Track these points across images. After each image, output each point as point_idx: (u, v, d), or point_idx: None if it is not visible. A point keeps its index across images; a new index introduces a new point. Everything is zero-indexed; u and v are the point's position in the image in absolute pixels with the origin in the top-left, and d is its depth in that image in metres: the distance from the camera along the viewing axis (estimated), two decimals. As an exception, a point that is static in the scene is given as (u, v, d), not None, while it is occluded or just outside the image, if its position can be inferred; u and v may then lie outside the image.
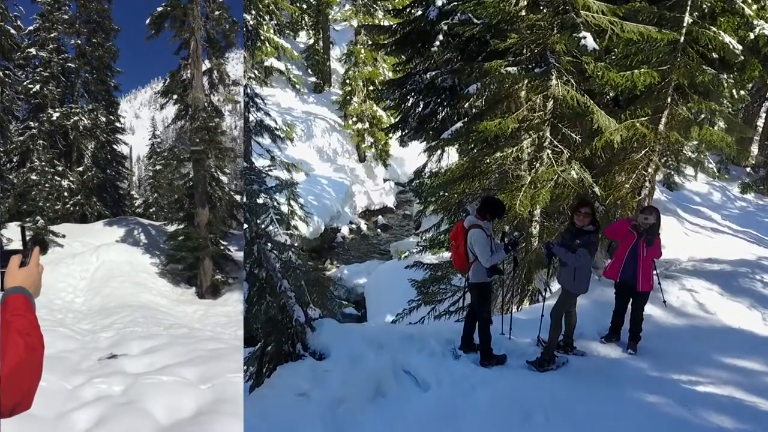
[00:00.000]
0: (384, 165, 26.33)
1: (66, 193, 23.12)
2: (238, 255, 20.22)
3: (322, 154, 24.92)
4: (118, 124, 27.03)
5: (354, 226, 23.22)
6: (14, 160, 22.91)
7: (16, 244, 2.26)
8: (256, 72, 20.80)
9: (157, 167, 29.40)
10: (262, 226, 7.17)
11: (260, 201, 7.28)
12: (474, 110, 11.29)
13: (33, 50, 23.69)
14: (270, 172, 7.62)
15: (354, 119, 25.36)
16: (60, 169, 23.21)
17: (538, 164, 9.37)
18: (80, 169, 24.10)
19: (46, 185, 21.55)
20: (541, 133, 9.27)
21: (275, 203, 7.69)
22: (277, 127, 17.64)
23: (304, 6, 29.35)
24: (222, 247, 19.48)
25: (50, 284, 16.53)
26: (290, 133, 21.29)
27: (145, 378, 8.50)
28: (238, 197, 20.92)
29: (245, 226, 6.94)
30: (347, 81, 25.42)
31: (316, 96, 28.11)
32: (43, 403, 7.05)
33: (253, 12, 17.00)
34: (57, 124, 23.11)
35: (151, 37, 19.07)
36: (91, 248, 19.67)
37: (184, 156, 19.25)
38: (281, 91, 26.72)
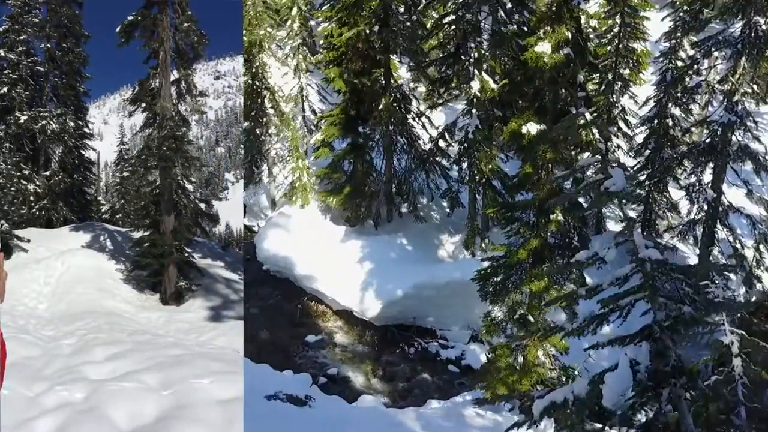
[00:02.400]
0: None
1: (32, 198, 23.08)
2: (202, 262, 20.48)
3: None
4: (86, 130, 27.12)
5: None
6: (-21, 163, 22.81)
7: (-19, 250, 2.41)
8: (755, 87, 14.04)
9: (125, 174, 29.47)
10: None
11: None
12: None
13: (1, 52, 23.64)
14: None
15: None
16: (26, 172, 23.15)
17: None
18: (47, 173, 24.09)
19: (12, 189, 21.44)
20: None
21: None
22: (765, 155, 13.26)
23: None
24: (186, 254, 19.67)
25: (14, 290, 16.49)
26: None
27: (107, 385, 8.70)
28: (203, 205, 21.13)
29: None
30: None
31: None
32: (4, 411, 7.08)
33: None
34: (24, 128, 23.09)
35: (121, 45, 19.22)
36: (56, 253, 19.66)
37: (152, 163, 19.42)
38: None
